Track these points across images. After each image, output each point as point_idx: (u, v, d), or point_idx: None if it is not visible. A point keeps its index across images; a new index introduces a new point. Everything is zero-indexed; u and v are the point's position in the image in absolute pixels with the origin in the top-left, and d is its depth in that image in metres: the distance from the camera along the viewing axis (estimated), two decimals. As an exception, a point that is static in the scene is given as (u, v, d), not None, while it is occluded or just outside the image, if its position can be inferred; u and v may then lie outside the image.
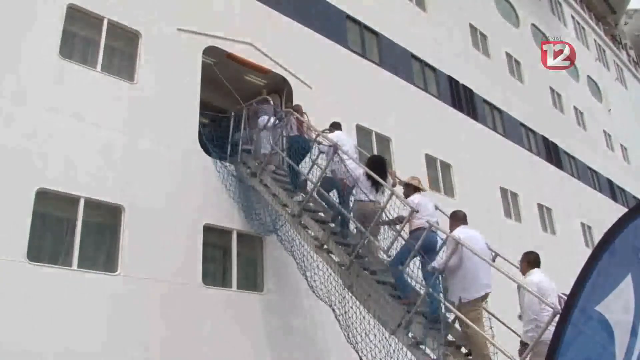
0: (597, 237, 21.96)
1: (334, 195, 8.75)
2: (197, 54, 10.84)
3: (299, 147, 9.58)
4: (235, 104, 11.58)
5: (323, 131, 9.36)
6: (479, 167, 17.60)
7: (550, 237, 19.85)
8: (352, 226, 8.54)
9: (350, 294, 8.08)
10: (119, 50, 9.89)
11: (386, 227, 8.19)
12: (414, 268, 7.54)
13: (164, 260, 8.88)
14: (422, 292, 7.22)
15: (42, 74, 8.61)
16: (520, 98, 22.06)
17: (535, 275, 6.46)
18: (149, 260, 8.72)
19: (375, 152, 13.56)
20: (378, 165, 8.26)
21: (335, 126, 9.82)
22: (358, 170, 8.40)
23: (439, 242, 7.42)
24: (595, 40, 33.41)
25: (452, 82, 18.15)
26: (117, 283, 8.26)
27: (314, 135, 9.25)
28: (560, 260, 18.45)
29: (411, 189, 7.79)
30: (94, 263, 8.29)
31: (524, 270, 6.66)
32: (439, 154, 15.99)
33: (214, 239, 9.93)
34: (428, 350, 6.95)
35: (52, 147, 8.32)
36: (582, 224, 22.48)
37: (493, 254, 7.80)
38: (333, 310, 8.44)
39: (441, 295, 6.91)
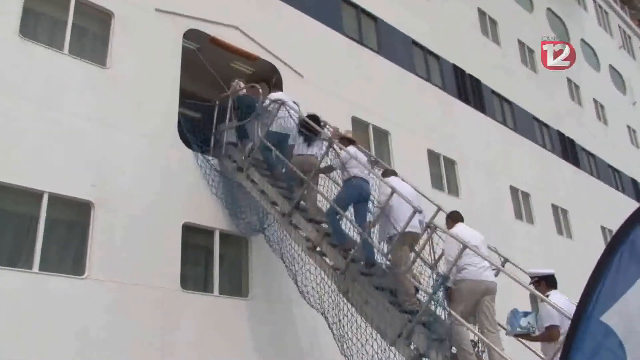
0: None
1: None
2: (178, 37, 10.78)
3: (246, 105, 10.53)
4: (220, 93, 11.49)
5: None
6: (487, 164, 17.63)
7: (566, 242, 19.83)
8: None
9: (345, 301, 8.01)
10: (89, 32, 9.81)
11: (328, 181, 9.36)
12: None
13: (138, 262, 8.79)
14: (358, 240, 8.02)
15: (-1, 56, 8.53)
16: (533, 89, 22.10)
17: (456, 227, 7.49)
18: (121, 262, 8.61)
19: (373, 147, 13.58)
20: (312, 119, 9.18)
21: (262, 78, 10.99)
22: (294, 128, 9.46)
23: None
24: (619, 26, 33.43)
25: (458, 72, 18.14)
26: (84, 287, 8.14)
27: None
28: (577, 267, 18.46)
29: (346, 141, 8.73)
30: (59, 265, 8.17)
31: (450, 227, 7.58)
32: (442, 149, 16.00)
33: (195, 240, 9.84)
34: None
35: (12, 136, 8.21)
36: (603, 228, 22.45)
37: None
38: (326, 318, 8.39)
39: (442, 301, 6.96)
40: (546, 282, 6.73)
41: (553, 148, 21.82)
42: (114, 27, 9.85)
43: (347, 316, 8.00)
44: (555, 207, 20.12)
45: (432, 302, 6.92)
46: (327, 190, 9.23)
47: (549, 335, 6.30)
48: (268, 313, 10.05)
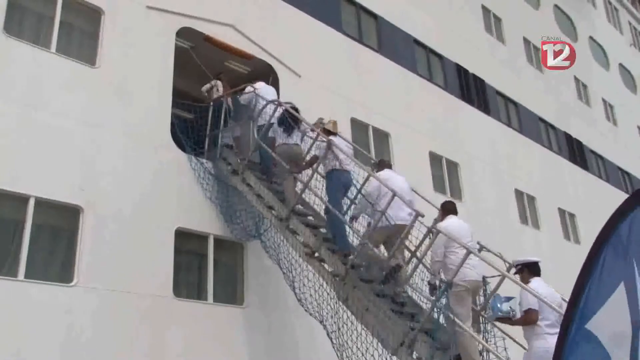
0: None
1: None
2: (170, 35, 10.78)
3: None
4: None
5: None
6: (491, 166, 17.61)
7: (573, 247, 19.76)
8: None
9: (344, 309, 7.99)
10: (77, 29, 9.78)
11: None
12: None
13: (129, 269, 8.75)
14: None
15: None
16: (539, 89, 22.09)
17: (446, 220, 7.73)
18: (112, 269, 8.57)
19: (373, 149, 13.55)
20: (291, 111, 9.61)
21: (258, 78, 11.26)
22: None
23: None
24: (629, 23, 33.45)
25: (461, 71, 18.14)
26: (73, 295, 8.09)
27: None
28: (585, 273, 18.41)
29: (326, 132, 9.03)
30: (46, 273, 8.13)
31: (441, 218, 7.91)
32: (444, 151, 15.98)
33: (188, 245, 9.82)
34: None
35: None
36: (611, 233, 22.35)
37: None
38: (324, 326, 8.35)
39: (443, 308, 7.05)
40: (529, 270, 7.08)
41: (560, 150, 21.80)
42: (104, 25, 9.83)
43: (346, 324, 7.94)
44: (562, 211, 20.09)
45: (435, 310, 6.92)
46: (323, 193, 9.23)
47: (527, 318, 6.62)
48: (264, 322, 10.01)
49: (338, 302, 8.09)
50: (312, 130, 9.22)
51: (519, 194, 18.22)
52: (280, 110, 9.67)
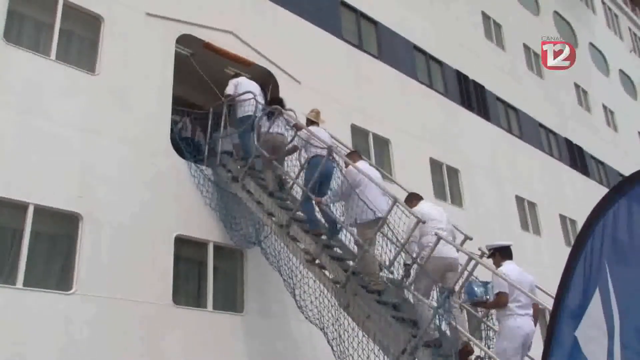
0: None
1: None
2: (170, 42, 10.78)
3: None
4: (214, 100, 11.47)
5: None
6: (491, 173, 17.61)
7: (575, 253, 19.69)
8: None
9: (345, 316, 7.96)
10: (77, 36, 9.79)
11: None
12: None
13: (129, 276, 8.72)
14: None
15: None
16: (539, 95, 22.11)
17: (419, 206, 7.95)
18: (111, 276, 8.54)
19: (373, 156, 13.56)
20: (275, 102, 9.99)
21: (237, 76, 11.35)
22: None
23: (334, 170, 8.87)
24: (629, 29, 33.53)
25: (461, 78, 18.17)
26: (71, 303, 8.06)
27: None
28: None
29: (308, 122, 9.40)
30: (45, 280, 8.09)
31: (413, 205, 7.94)
32: (445, 158, 15.96)
33: (187, 252, 9.79)
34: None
35: (-3, 146, 8.16)
36: (613, 239, 22.30)
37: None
38: (325, 334, 8.33)
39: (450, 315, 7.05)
40: (500, 254, 7.37)
41: (560, 156, 21.81)
42: (104, 32, 9.84)
43: (347, 331, 7.93)
44: (563, 218, 20.06)
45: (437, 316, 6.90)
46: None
47: (498, 301, 6.90)
48: (264, 329, 9.97)
49: (339, 309, 8.06)
50: (295, 125, 9.43)
51: (519, 200, 18.20)
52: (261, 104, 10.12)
